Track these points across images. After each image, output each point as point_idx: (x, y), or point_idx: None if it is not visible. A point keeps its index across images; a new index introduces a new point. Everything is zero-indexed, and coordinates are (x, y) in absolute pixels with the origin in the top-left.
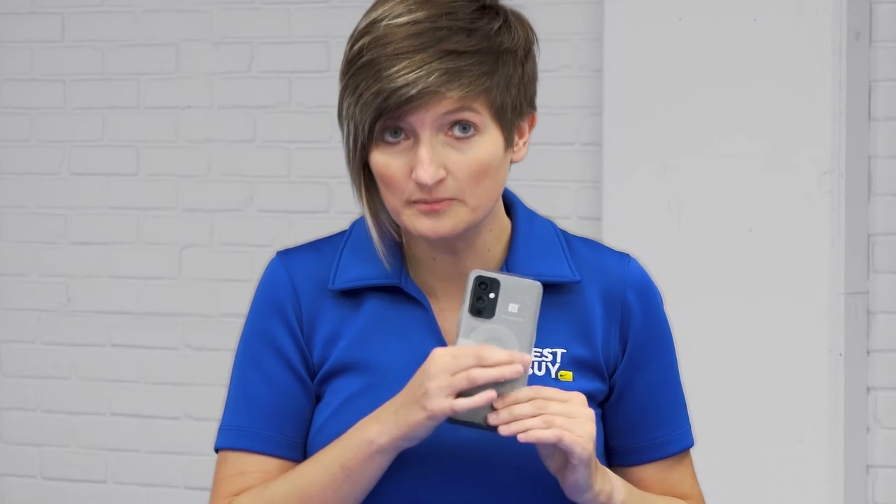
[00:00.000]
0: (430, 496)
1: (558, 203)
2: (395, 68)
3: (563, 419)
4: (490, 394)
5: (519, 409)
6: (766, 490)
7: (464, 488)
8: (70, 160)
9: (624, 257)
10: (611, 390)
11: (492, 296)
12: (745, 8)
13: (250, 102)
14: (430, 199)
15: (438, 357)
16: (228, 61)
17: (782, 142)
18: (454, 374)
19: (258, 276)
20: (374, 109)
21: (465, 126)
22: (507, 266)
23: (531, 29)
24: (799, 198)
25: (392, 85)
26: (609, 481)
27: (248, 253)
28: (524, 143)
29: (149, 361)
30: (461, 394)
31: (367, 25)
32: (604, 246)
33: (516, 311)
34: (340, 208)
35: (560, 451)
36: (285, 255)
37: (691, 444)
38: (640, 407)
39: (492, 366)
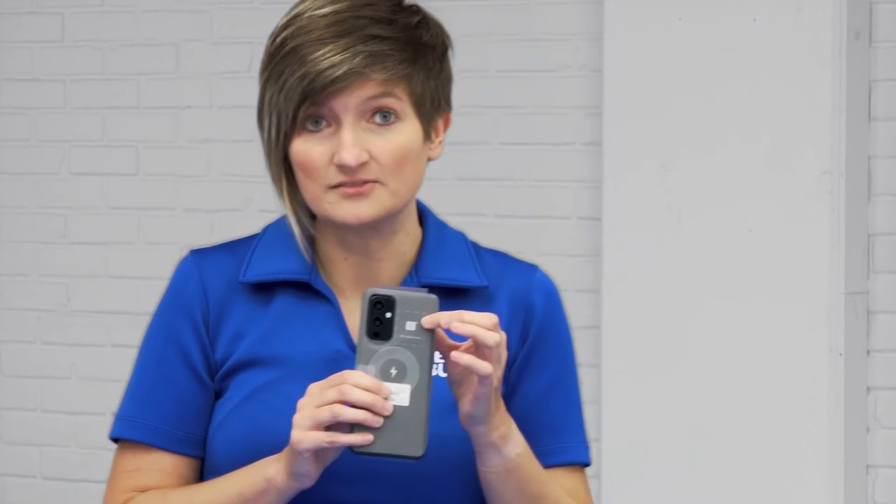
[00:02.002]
0: (339, 494)
1: (558, 203)
2: (321, 52)
3: (499, 351)
4: (365, 437)
5: (483, 335)
6: (766, 490)
7: (369, 487)
8: (70, 160)
9: (532, 266)
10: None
11: (388, 315)
12: (745, 8)
13: (250, 102)
14: (353, 181)
15: (310, 389)
16: (228, 61)
17: (782, 142)
18: (318, 406)
19: None
20: (298, 94)
21: (386, 113)
22: (416, 270)
23: (446, 33)
24: (799, 198)
25: (317, 68)
26: (508, 426)
27: None
28: (440, 143)
29: None
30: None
31: (289, 20)
32: (513, 256)
33: (414, 329)
34: None
35: (469, 374)
36: (198, 254)
37: (583, 461)
38: (528, 409)
39: (353, 402)
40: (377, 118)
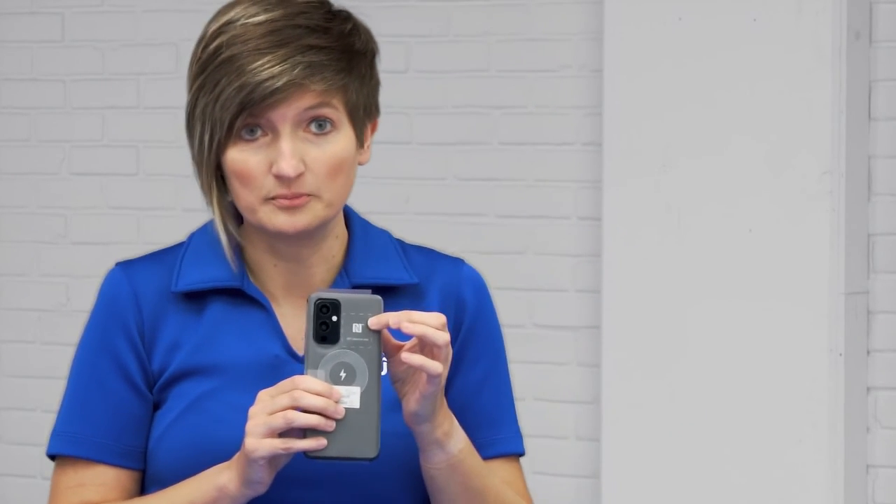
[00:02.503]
0: (289, 497)
1: (558, 203)
2: (259, 62)
3: (447, 351)
4: (319, 442)
5: (431, 334)
6: (766, 490)
7: (318, 489)
8: (70, 160)
9: (458, 260)
10: None
11: (334, 318)
12: (745, 8)
13: None
14: (290, 195)
15: (260, 396)
16: None
17: (782, 142)
18: (271, 413)
19: None
20: (236, 105)
21: (322, 123)
22: (346, 271)
23: (374, 38)
24: (799, 198)
25: (256, 79)
26: (451, 422)
27: None
28: (368, 147)
29: None
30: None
31: (222, 26)
32: (438, 252)
33: (360, 330)
34: None
35: (414, 373)
36: (126, 265)
37: (518, 451)
38: (463, 402)
39: (305, 407)
40: (313, 127)
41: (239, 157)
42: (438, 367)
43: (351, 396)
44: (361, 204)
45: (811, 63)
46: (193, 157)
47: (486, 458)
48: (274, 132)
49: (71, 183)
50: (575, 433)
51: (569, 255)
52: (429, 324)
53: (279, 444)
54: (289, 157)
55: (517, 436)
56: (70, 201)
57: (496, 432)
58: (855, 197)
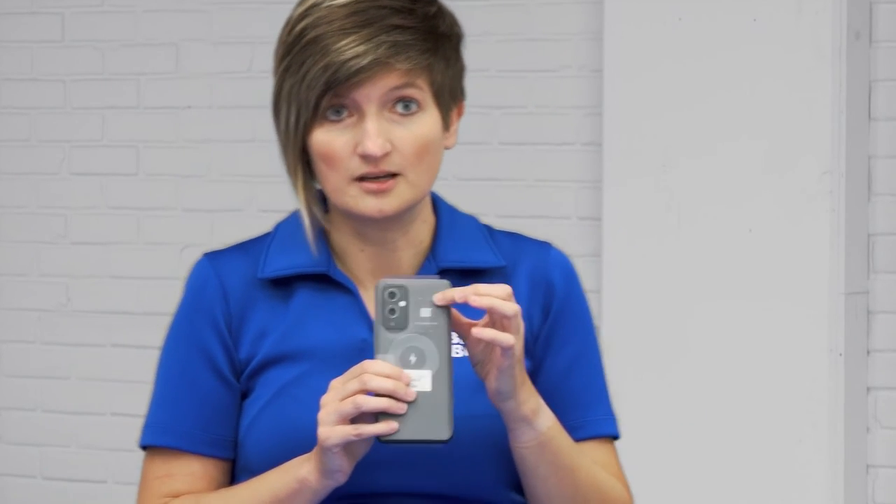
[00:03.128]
0: (374, 482)
1: (558, 203)
2: (343, 42)
3: (517, 322)
4: (390, 426)
5: (500, 305)
6: (766, 490)
7: (404, 473)
8: (70, 160)
9: (545, 244)
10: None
11: (402, 304)
12: (745, 8)
13: (250, 102)
14: (377, 173)
15: (332, 384)
16: (228, 61)
17: (782, 142)
18: (341, 399)
19: None
20: (322, 84)
21: (409, 103)
22: (434, 255)
23: (459, 23)
24: (799, 198)
25: (341, 58)
26: (537, 400)
27: None
28: (454, 131)
29: (148, 361)
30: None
31: (307, 9)
32: (525, 236)
33: (429, 314)
34: None
35: (491, 350)
36: (213, 256)
37: (613, 434)
38: (553, 384)
39: (375, 390)
40: (399, 108)
41: (324, 137)
42: (510, 339)
43: (422, 380)
44: None
45: (811, 63)
46: (279, 140)
47: (577, 440)
48: (359, 112)
49: (71, 183)
50: None
51: (569, 256)
52: (496, 295)
53: (350, 431)
54: (374, 136)
55: (610, 417)
56: (70, 201)
57: (587, 414)
58: (855, 197)
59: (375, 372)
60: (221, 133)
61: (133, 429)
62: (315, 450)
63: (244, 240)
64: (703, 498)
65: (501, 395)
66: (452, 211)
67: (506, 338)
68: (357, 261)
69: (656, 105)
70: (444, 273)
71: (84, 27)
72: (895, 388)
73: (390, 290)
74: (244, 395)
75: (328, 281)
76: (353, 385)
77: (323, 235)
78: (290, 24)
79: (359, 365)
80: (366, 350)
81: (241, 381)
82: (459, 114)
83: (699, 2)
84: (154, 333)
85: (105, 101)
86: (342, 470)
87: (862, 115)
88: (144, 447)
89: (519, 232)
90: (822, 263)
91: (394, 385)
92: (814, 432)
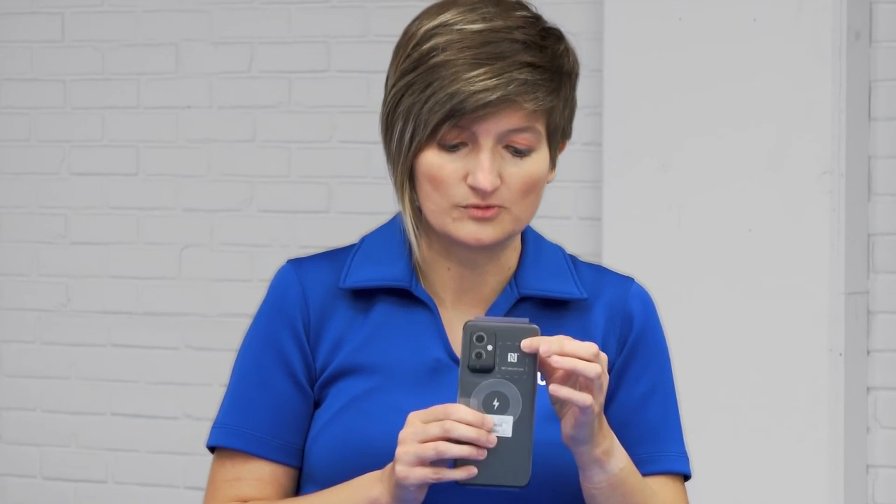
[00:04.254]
0: (443, 500)
1: (558, 203)
2: (475, 73)
3: (599, 381)
4: (470, 472)
5: (581, 367)
6: (766, 490)
7: (471, 493)
8: (70, 160)
9: (628, 278)
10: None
11: (490, 348)
12: (745, 7)
13: (250, 102)
14: (482, 205)
15: (410, 421)
16: (228, 61)
17: (782, 141)
18: (422, 441)
19: (258, 276)
20: (446, 111)
21: (522, 151)
22: (517, 281)
23: (578, 59)
24: (799, 197)
25: (470, 88)
26: (611, 441)
27: (248, 253)
28: (555, 166)
29: (148, 361)
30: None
31: (437, 27)
32: (608, 269)
33: (515, 360)
34: (340, 208)
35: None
36: (297, 262)
37: (684, 471)
38: (626, 417)
39: (457, 438)
40: (511, 150)
41: (436, 161)
42: (588, 399)
43: (503, 425)
44: (365, 204)
45: (811, 63)
46: (386, 152)
47: (647, 473)
48: (475, 143)
49: (70, 183)
50: None
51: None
52: (580, 356)
53: (430, 475)
54: (487, 171)
55: (682, 455)
56: (70, 201)
57: (659, 448)
58: (855, 197)
59: (459, 419)
60: (221, 133)
61: (133, 429)
62: (388, 474)
63: (330, 248)
64: (703, 497)
65: (576, 441)
66: (539, 239)
67: (583, 399)
68: (442, 279)
69: (656, 105)
70: (525, 300)
71: (84, 27)
72: (895, 388)
73: (478, 333)
74: (317, 404)
75: (409, 296)
76: (436, 430)
77: (409, 251)
78: (417, 39)
79: (442, 407)
80: (440, 370)
81: (315, 389)
82: (561, 149)
83: (699, 1)
84: (154, 333)
85: (105, 101)
86: (416, 500)
87: (862, 114)
88: (213, 448)
89: (602, 265)
90: (822, 263)
91: (476, 434)
92: (814, 432)
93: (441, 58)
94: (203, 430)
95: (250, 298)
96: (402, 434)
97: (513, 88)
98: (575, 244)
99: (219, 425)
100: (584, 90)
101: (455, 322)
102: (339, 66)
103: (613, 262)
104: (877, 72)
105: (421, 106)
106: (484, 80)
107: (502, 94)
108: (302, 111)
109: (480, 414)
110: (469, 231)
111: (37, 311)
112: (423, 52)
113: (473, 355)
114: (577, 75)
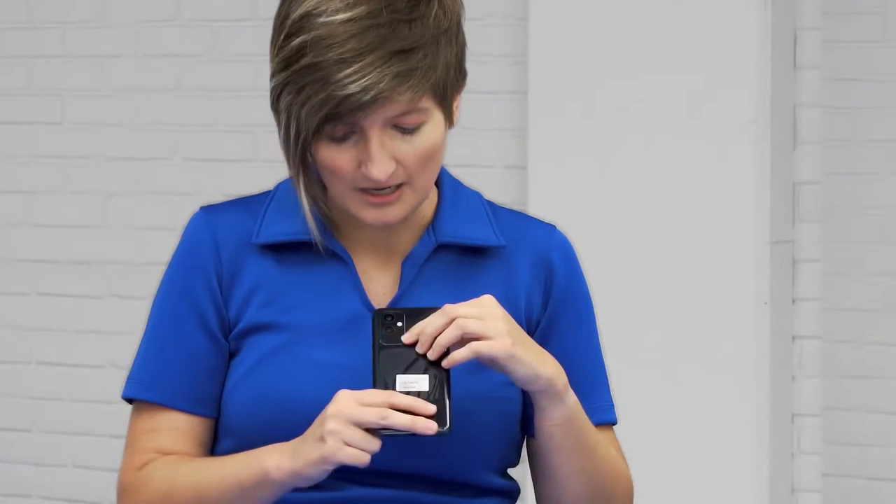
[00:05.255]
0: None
1: (484, 151)
2: (344, 73)
3: (475, 323)
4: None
5: (444, 338)
6: (692, 438)
7: (402, 455)
8: (67, 111)
9: (550, 226)
10: None
11: (399, 324)
12: None
13: (175, 51)
14: (381, 191)
15: (342, 401)
16: (154, 9)
17: (707, 89)
18: (355, 423)
19: (183, 225)
20: (322, 115)
21: (411, 129)
22: (434, 230)
23: (455, 3)
24: (724, 146)
25: (343, 92)
26: (564, 373)
27: (172, 202)
28: (457, 107)
29: (73, 310)
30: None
31: (302, 18)
32: (530, 216)
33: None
34: (265, 156)
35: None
36: (209, 210)
37: (612, 421)
38: None
39: (395, 426)
40: (401, 127)
41: (327, 153)
42: (480, 347)
43: (419, 382)
44: None
45: (736, 10)
46: (280, 139)
47: None
48: (361, 133)
49: (69, 132)
50: None
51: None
52: (429, 332)
53: (357, 455)
54: (378, 161)
55: (610, 405)
56: (66, 152)
57: (589, 401)
58: (780, 145)
59: (395, 405)
60: (146, 81)
61: (58, 377)
62: (293, 448)
63: (244, 195)
64: (628, 444)
65: (526, 380)
66: (457, 185)
67: (470, 352)
68: (355, 234)
69: (581, 52)
70: (443, 248)
71: None
72: (820, 336)
73: (388, 314)
74: (232, 355)
75: (324, 249)
76: (371, 416)
77: (323, 204)
78: (286, 31)
79: (379, 394)
80: (356, 321)
81: (230, 340)
82: (460, 91)
83: None
84: (79, 282)
85: (30, 49)
86: (323, 477)
87: (787, 63)
88: (129, 399)
89: (524, 212)
90: (748, 212)
91: (412, 421)
92: (740, 380)
93: (308, 59)
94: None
95: (175, 247)
96: (332, 410)
97: (385, 84)
98: (500, 193)
99: (133, 378)
100: (508, 39)
101: (371, 273)
102: (263, 14)
103: (539, 210)
104: (802, 20)
105: (299, 108)
106: (354, 80)
107: (375, 92)
108: (226, 60)
109: (420, 401)
110: (372, 215)
111: (33, 262)
112: (292, 51)
113: (385, 331)
114: (458, 17)
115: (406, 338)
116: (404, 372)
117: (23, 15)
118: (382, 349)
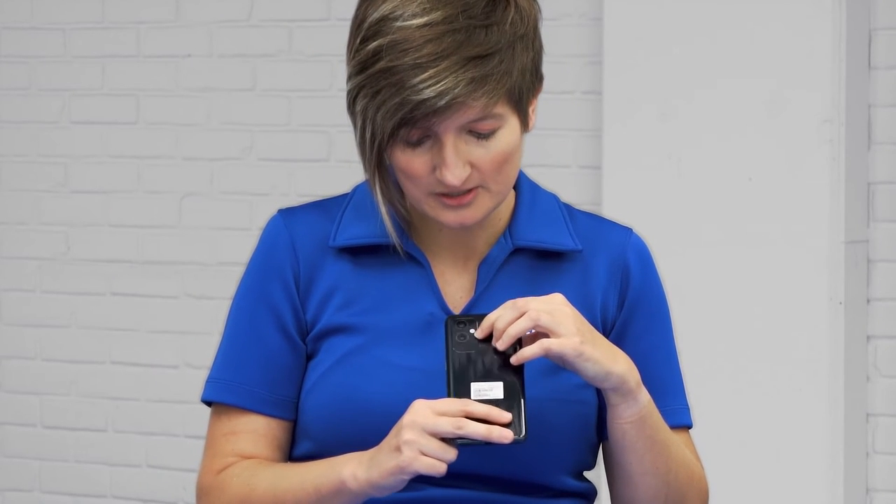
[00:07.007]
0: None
1: (558, 152)
2: (419, 78)
3: (546, 317)
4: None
5: (515, 328)
6: (766, 439)
7: (480, 456)
8: (70, 109)
9: (627, 229)
10: None
11: (471, 331)
12: None
13: (250, 51)
14: (456, 194)
15: (418, 411)
16: (228, 9)
17: (782, 90)
18: (431, 433)
19: (257, 225)
20: (397, 119)
21: (485, 134)
22: (511, 233)
23: (535, 3)
24: (799, 146)
25: (418, 97)
26: (637, 371)
27: (247, 202)
28: (533, 111)
29: (148, 310)
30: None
31: (379, 22)
32: (607, 219)
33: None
34: (340, 157)
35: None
36: (287, 213)
37: (687, 424)
38: None
39: (471, 436)
40: (476, 133)
41: (403, 157)
42: (551, 344)
43: (494, 390)
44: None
45: (811, 11)
46: (357, 142)
47: None
48: (437, 137)
49: (71, 131)
50: None
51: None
52: (500, 327)
53: (435, 466)
54: (452, 166)
55: (685, 408)
56: (70, 150)
57: (664, 404)
58: (855, 145)
59: (471, 413)
60: (221, 81)
61: (133, 377)
62: (370, 458)
63: (319, 195)
64: (703, 447)
65: (597, 378)
66: (534, 188)
67: (541, 348)
68: (433, 235)
69: (657, 53)
70: (519, 252)
71: None
72: (895, 336)
73: (459, 320)
74: (309, 357)
75: (400, 252)
76: (447, 427)
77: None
78: (363, 34)
79: (454, 402)
80: (433, 324)
81: (307, 342)
82: (538, 93)
83: None
84: (154, 282)
85: (105, 49)
86: (400, 487)
87: (862, 63)
88: (208, 402)
89: (601, 215)
90: (822, 212)
91: (488, 431)
92: (814, 381)
93: (384, 63)
94: (202, 379)
95: (249, 247)
96: (407, 419)
97: (460, 90)
98: (574, 193)
99: (212, 380)
100: (584, 39)
101: (448, 276)
102: (339, 15)
103: (613, 211)
104: (877, 20)
105: (375, 112)
106: (429, 85)
107: (450, 98)
108: (302, 59)
109: (496, 410)
110: (450, 217)
111: (37, 260)
112: (368, 55)
113: (458, 338)
114: (535, 22)
115: (478, 333)
116: (478, 379)
117: (97, 14)
118: (456, 356)
